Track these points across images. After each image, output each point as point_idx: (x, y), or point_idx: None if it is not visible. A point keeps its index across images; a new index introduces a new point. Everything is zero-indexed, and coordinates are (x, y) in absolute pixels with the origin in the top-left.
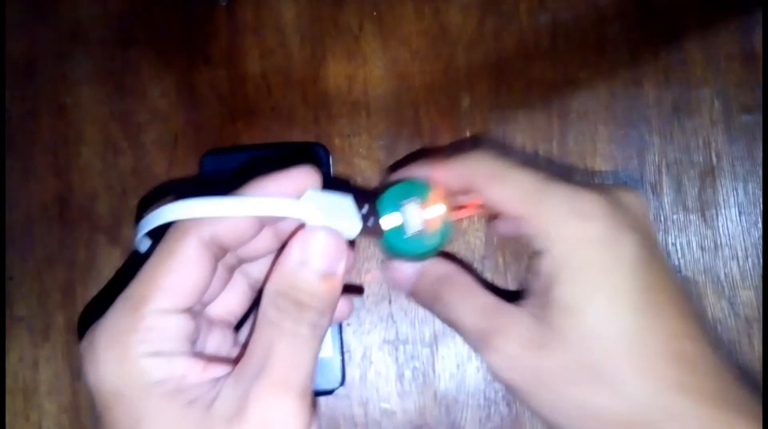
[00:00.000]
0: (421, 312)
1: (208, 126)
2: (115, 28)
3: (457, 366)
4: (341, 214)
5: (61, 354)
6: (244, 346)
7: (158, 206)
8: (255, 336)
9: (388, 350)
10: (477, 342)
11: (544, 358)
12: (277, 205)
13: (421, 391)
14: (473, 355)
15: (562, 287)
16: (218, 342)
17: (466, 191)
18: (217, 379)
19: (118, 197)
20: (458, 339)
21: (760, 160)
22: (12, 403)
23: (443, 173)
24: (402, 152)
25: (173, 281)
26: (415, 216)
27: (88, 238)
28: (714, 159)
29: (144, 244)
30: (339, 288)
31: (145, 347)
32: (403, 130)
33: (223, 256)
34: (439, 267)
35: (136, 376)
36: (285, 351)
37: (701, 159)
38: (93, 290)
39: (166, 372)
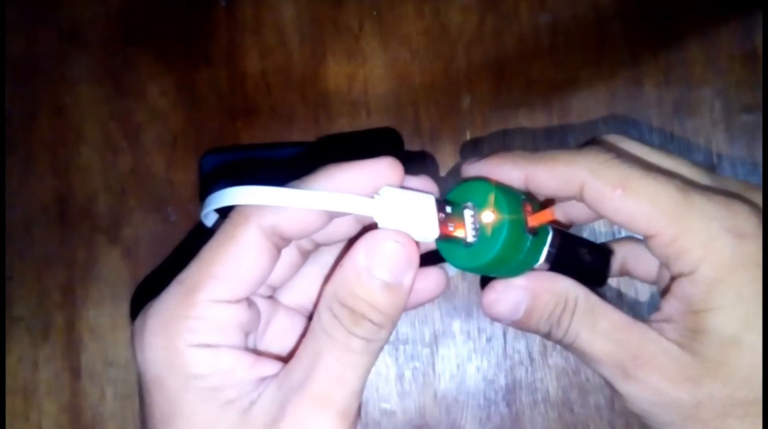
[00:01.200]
0: (421, 312)
1: (208, 126)
2: (115, 28)
3: (457, 366)
4: (418, 217)
5: (61, 354)
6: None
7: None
8: (306, 340)
9: (388, 350)
10: (611, 372)
11: (697, 393)
12: (346, 202)
13: (421, 391)
14: (473, 355)
15: (720, 316)
16: (285, 330)
17: (565, 198)
18: (264, 379)
19: (117, 197)
20: (458, 339)
21: (760, 160)
22: (12, 403)
23: (539, 172)
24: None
25: (229, 270)
26: (471, 222)
27: (88, 238)
28: (714, 159)
29: (210, 219)
30: (403, 301)
31: (193, 337)
32: (403, 130)
33: (286, 245)
34: (553, 285)
35: (179, 366)
36: (332, 364)
37: (701, 159)
38: (93, 290)
39: (210, 365)
